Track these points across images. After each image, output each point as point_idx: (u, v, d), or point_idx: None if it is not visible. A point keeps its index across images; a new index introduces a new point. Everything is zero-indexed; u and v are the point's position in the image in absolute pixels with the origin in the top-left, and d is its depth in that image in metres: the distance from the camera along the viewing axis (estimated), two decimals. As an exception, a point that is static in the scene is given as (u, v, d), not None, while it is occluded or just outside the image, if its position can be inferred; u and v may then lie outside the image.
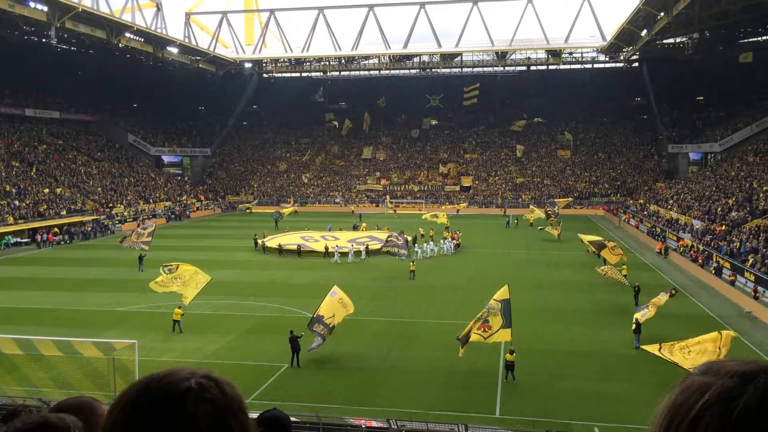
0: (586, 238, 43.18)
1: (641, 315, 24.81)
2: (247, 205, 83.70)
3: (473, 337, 21.83)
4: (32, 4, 58.68)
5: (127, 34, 71.93)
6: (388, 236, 41.93)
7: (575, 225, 55.73)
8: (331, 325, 23.35)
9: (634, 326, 24.64)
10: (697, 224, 48.51)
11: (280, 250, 47.79)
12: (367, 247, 46.74)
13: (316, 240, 52.31)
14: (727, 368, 1.11)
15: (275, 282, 37.74)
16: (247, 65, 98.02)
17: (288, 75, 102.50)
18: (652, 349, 20.95)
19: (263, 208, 79.90)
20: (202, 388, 1.20)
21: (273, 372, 22.27)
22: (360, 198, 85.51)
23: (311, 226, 60.09)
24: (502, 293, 22.46)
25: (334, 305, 24.14)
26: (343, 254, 45.15)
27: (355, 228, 59.43)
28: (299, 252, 47.23)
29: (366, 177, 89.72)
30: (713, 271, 37.72)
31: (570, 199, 75.06)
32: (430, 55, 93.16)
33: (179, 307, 27.37)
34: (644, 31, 68.99)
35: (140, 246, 42.34)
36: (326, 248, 46.96)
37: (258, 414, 2.01)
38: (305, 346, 22.95)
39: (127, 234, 48.34)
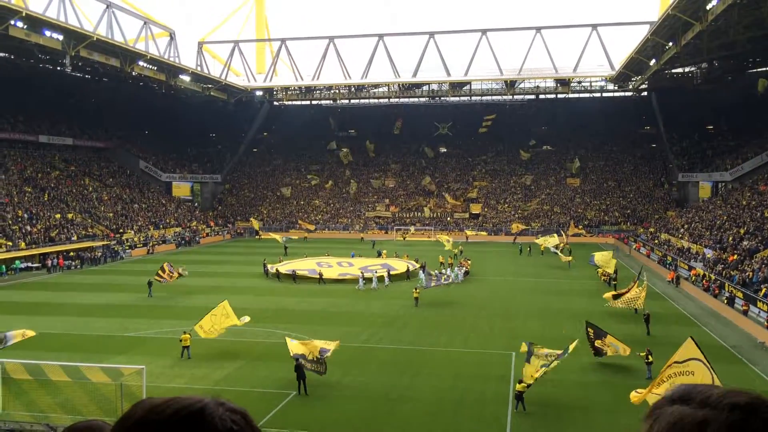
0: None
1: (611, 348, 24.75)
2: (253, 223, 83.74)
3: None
4: (48, 33, 59.75)
5: (141, 63, 73.04)
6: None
7: (585, 254, 55.40)
8: (314, 357, 23.28)
9: (649, 358, 24.34)
10: (709, 253, 48.15)
11: (294, 276, 47.78)
12: (389, 273, 46.90)
13: (330, 266, 52.26)
14: (717, 400, 1.06)
15: (284, 308, 37.64)
16: (258, 93, 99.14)
17: (298, 103, 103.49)
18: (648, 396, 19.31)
19: (272, 234, 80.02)
20: (238, 427, 1.18)
21: (281, 399, 22.11)
22: (369, 225, 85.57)
23: (332, 252, 60.28)
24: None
25: (301, 345, 23.96)
26: (368, 281, 45.04)
27: (379, 254, 59.29)
28: (294, 278, 47.70)
29: (375, 204, 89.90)
30: (725, 301, 37.31)
31: (580, 228, 74.83)
32: (439, 83, 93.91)
33: (186, 332, 27.33)
34: (653, 61, 69.33)
35: (180, 273, 43.34)
36: (320, 275, 47.32)
37: None
38: (311, 375, 22.80)
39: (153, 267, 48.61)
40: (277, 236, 68.43)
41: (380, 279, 45.46)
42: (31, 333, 25.37)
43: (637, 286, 35.17)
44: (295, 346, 23.65)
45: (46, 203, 65.48)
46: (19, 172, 68.57)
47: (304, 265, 52.24)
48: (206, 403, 1.20)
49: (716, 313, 36.70)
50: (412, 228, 76.80)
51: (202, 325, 27.97)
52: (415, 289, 39.30)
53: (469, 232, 77.31)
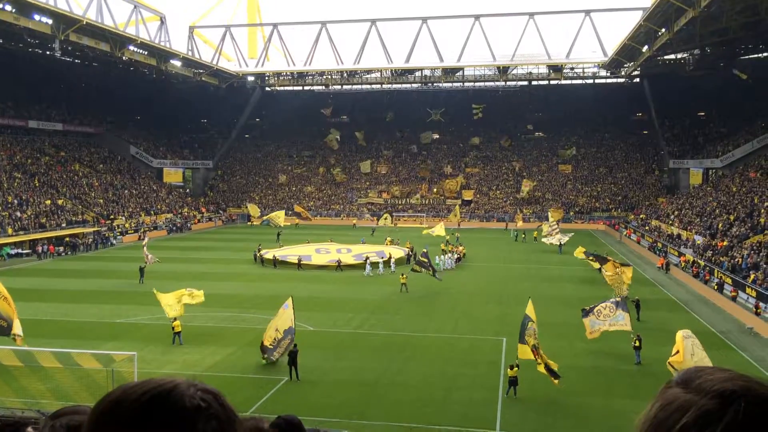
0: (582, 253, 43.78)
1: (621, 320, 25.06)
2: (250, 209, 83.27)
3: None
4: (37, 17, 59.08)
5: (131, 47, 72.34)
6: (421, 254, 41.86)
7: (576, 240, 55.62)
8: (277, 342, 23.70)
9: (637, 343, 24.55)
10: (699, 240, 48.46)
11: (299, 264, 47.78)
12: (390, 258, 47.31)
13: (328, 252, 52.17)
14: (708, 385, 1.07)
15: (275, 295, 37.59)
16: (250, 78, 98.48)
17: (290, 88, 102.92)
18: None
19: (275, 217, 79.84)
20: (206, 403, 1.19)
21: (272, 385, 22.18)
22: (361, 211, 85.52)
23: (334, 239, 60.26)
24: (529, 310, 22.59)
25: (279, 320, 24.30)
26: (374, 266, 45.14)
27: (393, 241, 58.58)
28: (276, 263, 48.08)
29: (367, 190, 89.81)
30: (715, 287, 37.64)
31: (561, 211, 74.59)
32: (431, 69, 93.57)
33: (176, 319, 27.32)
34: (645, 47, 69.27)
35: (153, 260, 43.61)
36: (299, 260, 47.78)
37: (276, 417, 2.02)
38: (303, 360, 22.88)
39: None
40: (281, 214, 67.94)
41: (386, 264, 45.58)
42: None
43: (618, 265, 35.95)
44: (266, 337, 24.01)
45: (37, 189, 65.06)
46: (9, 158, 68.02)
47: (304, 251, 52.31)
48: (178, 383, 1.21)
49: (705, 299, 37.01)
50: (386, 218, 75.46)
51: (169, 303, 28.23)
52: (402, 275, 39.36)
53: (455, 215, 76.81)
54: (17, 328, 23.81)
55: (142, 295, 35.52)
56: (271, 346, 23.77)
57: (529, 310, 22.66)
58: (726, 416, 1.02)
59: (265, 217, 66.76)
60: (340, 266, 46.67)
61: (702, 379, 1.10)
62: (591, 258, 41.74)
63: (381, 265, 45.22)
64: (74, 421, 1.69)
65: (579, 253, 44.83)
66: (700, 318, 32.30)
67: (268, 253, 50.53)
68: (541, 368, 21.16)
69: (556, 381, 20.86)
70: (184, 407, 1.16)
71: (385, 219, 72.64)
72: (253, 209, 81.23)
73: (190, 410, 1.17)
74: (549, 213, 68.65)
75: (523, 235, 64.47)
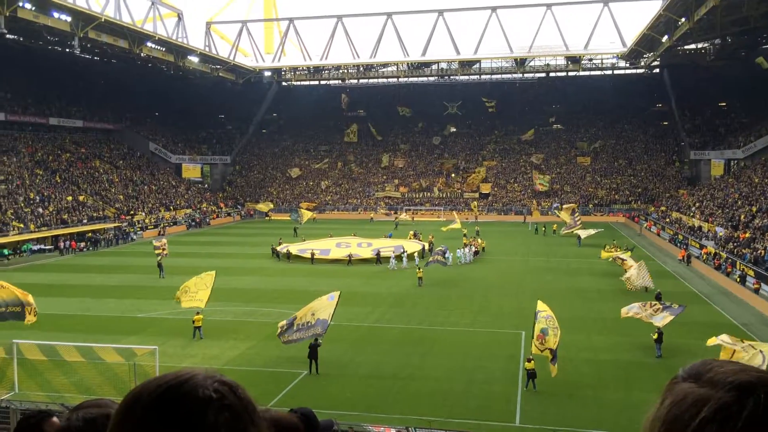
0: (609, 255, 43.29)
1: (659, 320, 24.63)
2: (263, 207, 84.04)
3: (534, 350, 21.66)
4: (56, 15, 59.66)
5: (149, 44, 72.88)
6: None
7: (599, 238, 55.17)
8: (304, 326, 23.48)
9: (656, 335, 24.34)
10: (721, 231, 47.86)
11: (312, 258, 47.87)
12: (415, 252, 47.61)
13: (348, 246, 52.22)
14: (722, 377, 1.04)
15: (293, 289, 37.80)
16: (267, 73, 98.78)
17: (307, 83, 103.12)
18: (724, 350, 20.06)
19: (282, 216, 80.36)
20: (220, 394, 1.20)
21: (292, 378, 22.31)
22: (378, 205, 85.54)
23: (357, 233, 60.12)
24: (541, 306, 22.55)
25: (318, 306, 24.14)
26: (398, 259, 45.27)
27: (416, 235, 58.40)
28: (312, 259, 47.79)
29: (384, 184, 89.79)
30: (737, 279, 37.16)
31: (574, 205, 73.85)
32: (448, 62, 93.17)
33: (198, 313, 27.56)
34: (665, 37, 68.40)
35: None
36: (312, 255, 48.07)
37: (288, 410, 2.03)
38: (322, 353, 22.96)
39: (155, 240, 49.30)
40: (308, 213, 68.69)
41: (410, 257, 45.63)
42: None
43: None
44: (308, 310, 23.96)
45: (58, 185, 65.86)
46: (30, 155, 68.90)
47: (324, 245, 52.45)
48: (194, 374, 1.22)
49: (728, 292, 36.58)
50: (402, 213, 75.39)
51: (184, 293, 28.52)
52: (419, 269, 39.37)
53: (474, 209, 76.53)
54: (31, 302, 24.34)
55: (162, 290, 35.87)
56: (296, 327, 23.63)
57: (541, 307, 22.58)
58: (746, 409, 0.99)
59: (294, 211, 67.71)
60: (350, 261, 46.73)
61: (713, 372, 1.06)
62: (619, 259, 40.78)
63: (405, 259, 45.21)
64: (90, 414, 1.73)
65: (607, 254, 44.17)
66: (722, 311, 31.95)
67: (288, 248, 50.66)
68: (546, 353, 21.08)
69: (554, 368, 20.74)
70: (195, 397, 1.17)
71: (402, 213, 72.96)
72: (265, 206, 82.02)
73: (202, 401, 1.17)
74: (560, 213, 67.99)
75: (543, 228, 64.16)
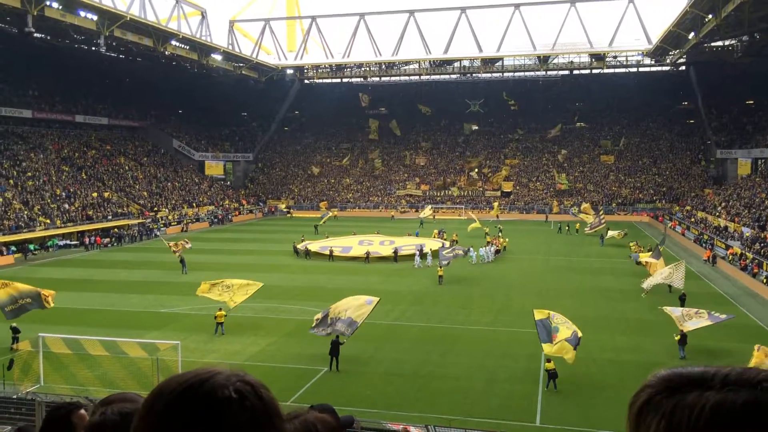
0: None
1: (692, 325, 24.09)
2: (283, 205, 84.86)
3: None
4: (82, 14, 60.48)
5: (173, 42, 73.58)
6: (450, 248, 42.18)
7: (625, 239, 54.64)
8: (334, 320, 23.53)
9: (678, 337, 24.02)
10: (747, 232, 47.09)
11: (331, 255, 48.04)
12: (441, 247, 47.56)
13: (371, 243, 52.20)
14: (718, 376, 1.01)
15: (314, 286, 37.95)
16: (289, 71, 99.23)
17: (329, 81, 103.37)
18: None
19: (303, 213, 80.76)
20: (241, 395, 1.18)
21: (312, 375, 22.39)
22: (399, 203, 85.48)
23: (381, 231, 59.92)
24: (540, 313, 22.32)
25: (353, 305, 24.11)
26: (423, 257, 45.25)
27: (440, 233, 58.12)
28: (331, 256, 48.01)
29: (405, 182, 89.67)
30: (764, 280, 36.53)
31: (589, 205, 72.88)
32: (470, 59, 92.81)
33: (221, 309, 27.78)
34: (691, 34, 67.42)
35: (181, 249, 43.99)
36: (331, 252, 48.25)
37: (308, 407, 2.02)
38: (342, 351, 23.01)
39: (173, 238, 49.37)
40: (330, 212, 68.88)
41: (434, 255, 45.44)
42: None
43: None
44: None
45: (84, 182, 66.80)
46: (57, 152, 69.98)
47: (347, 243, 52.60)
48: (216, 373, 1.20)
49: (754, 293, 35.99)
50: (428, 208, 75.26)
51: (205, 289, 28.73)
52: (440, 268, 39.28)
53: (495, 208, 75.98)
54: (43, 292, 24.95)
55: (185, 286, 36.22)
56: (329, 320, 23.65)
57: (539, 315, 22.31)
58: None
59: (323, 214, 68.37)
60: (368, 258, 46.71)
61: (722, 374, 1.02)
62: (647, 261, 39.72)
63: (429, 258, 45.14)
64: (126, 409, 1.75)
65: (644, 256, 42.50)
66: (748, 312, 31.44)
67: (310, 245, 50.86)
68: (563, 346, 20.99)
69: (573, 353, 20.72)
70: (214, 397, 1.16)
71: (428, 209, 72.77)
72: (283, 204, 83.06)
73: (221, 401, 1.16)
74: (580, 214, 67.44)
75: (567, 227, 63.52)
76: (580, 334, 21.30)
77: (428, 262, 44.34)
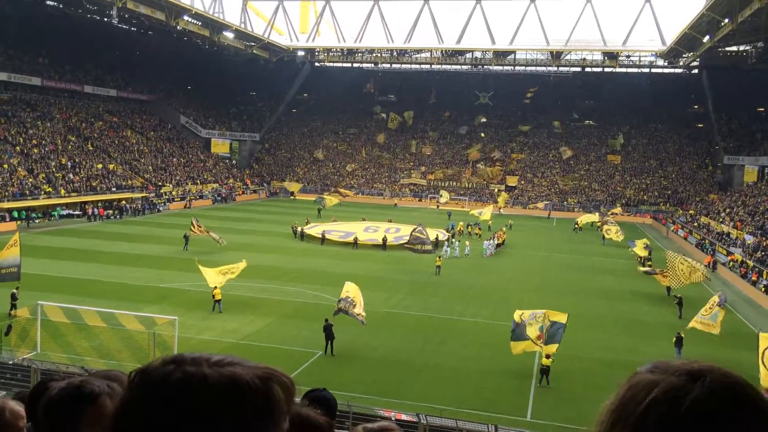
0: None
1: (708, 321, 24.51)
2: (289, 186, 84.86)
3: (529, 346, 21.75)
4: (96, -16, 60.30)
5: (186, 17, 73.29)
6: (413, 230, 40.48)
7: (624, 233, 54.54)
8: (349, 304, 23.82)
9: (674, 339, 24.07)
10: (750, 239, 46.99)
11: (323, 239, 48.01)
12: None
13: (376, 230, 52.07)
14: (675, 367, 1.13)
15: (314, 270, 38.00)
16: (300, 53, 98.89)
17: (339, 65, 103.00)
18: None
19: (307, 196, 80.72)
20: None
21: (307, 358, 22.50)
22: (403, 192, 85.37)
23: (394, 219, 59.21)
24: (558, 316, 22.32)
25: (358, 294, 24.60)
26: (451, 246, 45.23)
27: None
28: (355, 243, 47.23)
29: (410, 171, 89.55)
30: (763, 289, 36.53)
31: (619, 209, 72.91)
32: (482, 51, 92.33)
33: (217, 287, 27.87)
34: (707, 38, 66.97)
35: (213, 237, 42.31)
36: (356, 239, 47.54)
37: (306, 391, 2.03)
38: (338, 335, 23.09)
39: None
40: (334, 199, 68.07)
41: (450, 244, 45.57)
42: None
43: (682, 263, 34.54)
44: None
45: (89, 153, 66.81)
46: (64, 121, 69.92)
47: (352, 228, 52.41)
48: (237, 363, 1.14)
49: (752, 301, 36.01)
50: (445, 194, 75.74)
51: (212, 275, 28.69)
52: (438, 258, 39.26)
53: (502, 201, 75.75)
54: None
55: (185, 262, 36.34)
56: (350, 304, 23.95)
57: (518, 318, 22.40)
58: (693, 391, 1.07)
59: (319, 197, 67.73)
60: (356, 244, 46.54)
61: (669, 364, 1.15)
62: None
63: (457, 247, 45.06)
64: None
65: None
66: (744, 319, 31.47)
67: (314, 228, 50.87)
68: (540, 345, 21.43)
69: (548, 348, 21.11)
70: (237, 387, 1.10)
71: (442, 197, 72.99)
72: (294, 186, 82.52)
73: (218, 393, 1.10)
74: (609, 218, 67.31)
75: (576, 225, 62.47)
76: (563, 320, 21.49)
77: (456, 254, 43.95)
